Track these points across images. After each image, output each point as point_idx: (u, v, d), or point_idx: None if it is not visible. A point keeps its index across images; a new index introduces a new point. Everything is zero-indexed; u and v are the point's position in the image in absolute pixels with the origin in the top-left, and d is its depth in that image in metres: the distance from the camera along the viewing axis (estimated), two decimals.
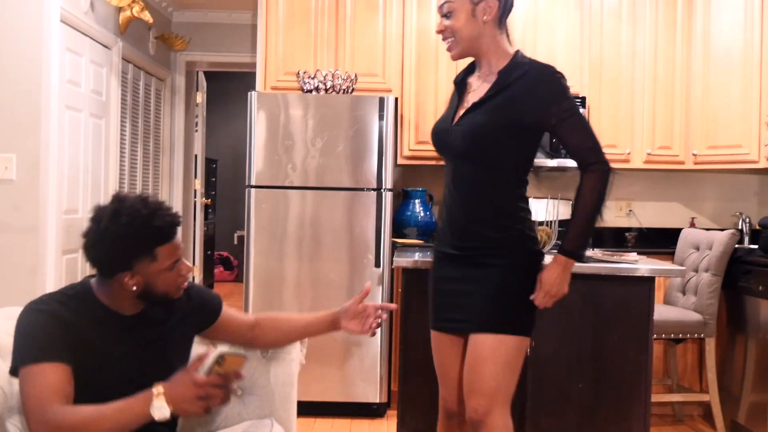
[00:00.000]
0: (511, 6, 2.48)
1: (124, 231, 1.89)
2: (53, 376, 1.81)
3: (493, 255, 2.43)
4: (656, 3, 4.96)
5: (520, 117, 2.36)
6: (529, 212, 2.49)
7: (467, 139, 2.41)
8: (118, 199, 1.95)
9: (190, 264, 2.09)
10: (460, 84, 2.58)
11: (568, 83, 2.44)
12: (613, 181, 2.40)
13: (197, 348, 2.25)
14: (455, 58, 2.51)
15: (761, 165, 4.66)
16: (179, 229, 2.01)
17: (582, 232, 2.38)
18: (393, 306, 2.45)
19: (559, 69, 2.43)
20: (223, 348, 2.27)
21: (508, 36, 2.51)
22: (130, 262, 1.92)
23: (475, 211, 2.46)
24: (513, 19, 4.91)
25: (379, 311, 2.34)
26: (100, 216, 1.93)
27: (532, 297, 2.42)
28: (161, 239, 1.94)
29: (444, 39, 2.49)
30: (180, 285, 2.02)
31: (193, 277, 7.29)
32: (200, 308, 2.22)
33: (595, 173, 2.37)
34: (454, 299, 2.52)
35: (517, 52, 2.48)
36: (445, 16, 2.45)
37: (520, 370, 2.47)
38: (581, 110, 2.33)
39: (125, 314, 2.00)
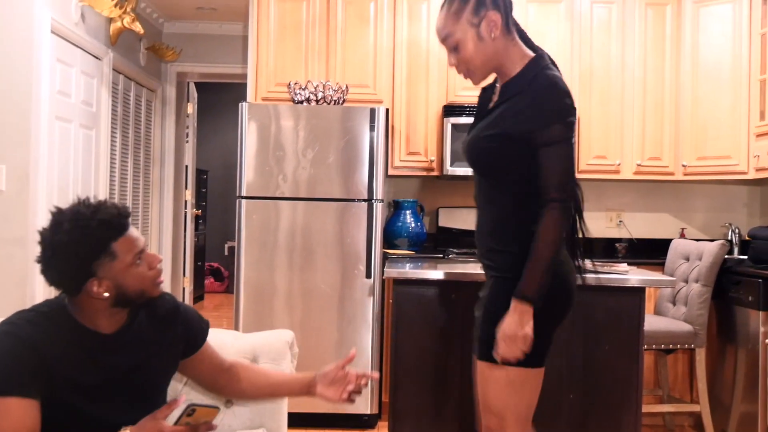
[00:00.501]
0: (511, 5, 2.31)
1: (71, 236, 1.79)
2: (18, 411, 1.70)
3: (494, 276, 2.35)
4: (645, 15, 4.99)
5: (515, 132, 2.22)
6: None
7: (472, 151, 2.34)
8: (56, 212, 1.85)
9: (158, 254, 1.96)
10: (484, 93, 2.46)
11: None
12: (569, 217, 2.23)
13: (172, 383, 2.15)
14: (478, 83, 2.38)
15: (750, 176, 4.68)
16: (130, 222, 1.90)
17: (537, 274, 2.18)
18: (375, 375, 2.35)
19: (565, 88, 2.25)
20: (194, 397, 2.19)
21: (521, 34, 2.35)
22: (89, 266, 1.80)
23: (482, 224, 2.39)
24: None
25: (362, 379, 2.18)
26: (43, 234, 1.83)
27: (493, 352, 2.24)
28: (112, 234, 1.83)
29: (459, 72, 2.36)
30: (155, 279, 1.91)
31: (184, 296, 7.27)
32: (186, 332, 2.09)
33: (551, 210, 2.18)
34: (474, 315, 2.45)
35: (533, 58, 2.30)
36: (453, 49, 2.30)
37: (531, 391, 2.33)
38: (570, 141, 2.22)
39: (104, 332, 1.88)
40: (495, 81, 2.41)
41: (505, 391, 2.29)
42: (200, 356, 2.14)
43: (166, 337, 2.02)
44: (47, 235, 1.83)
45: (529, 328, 2.19)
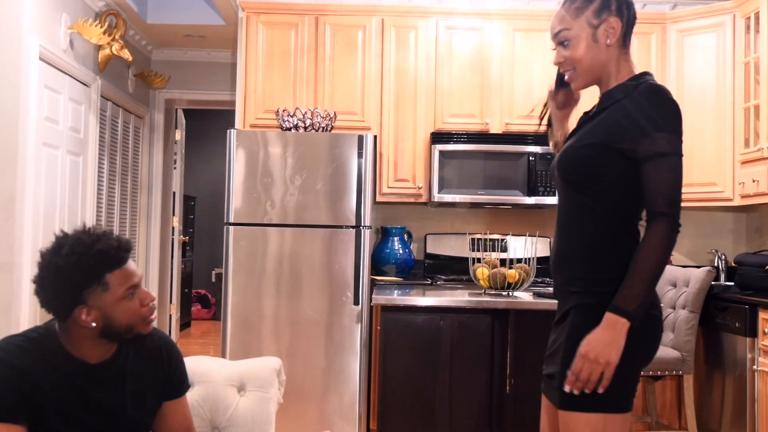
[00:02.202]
0: (634, 20, 2.16)
1: (68, 261, 1.80)
2: None
3: (582, 305, 2.05)
4: (631, 44, 5.04)
5: (615, 141, 2.01)
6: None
7: (565, 161, 2.12)
8: (60, 236, 1.87)
9: (151, 292, 1.98)
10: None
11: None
12: (675, 237, 1.98)
13: None
14: (578, 89, 2.21)
15: (736, 203, 4.72)
16: (130, 256, 1.90)
17: (638, 289, 1.94)
18: None
19: (672, 97, 2.06)
20: None
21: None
22: (80, 293, 1.81)
23: (567, 248, 2.12)
24: (491, 58, 4.96)
25: None
26: (43, 255, 1.85)
27: (570, 368, 1.97)
28: (108, 264, 1.84)
29: (563, 71, 2.19)
30: (146, 317, 1.90)
31: (170, 323, 7.22)
32: (173, 374, 2.08)
33: (660, 224, 1.95)
34: (548, 347, 2.18)
35: (640, 73, 2.15)
36: (562, 44, 2.14)
37: None
38: (680, 155, 2.04)
39: (90, 362, 1.88)
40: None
41: None
42: (172, 409, 2.09)
43: (152, 374, 2.01)
44: (46, 256, 1.85)
45: (616, 353, 1.91)
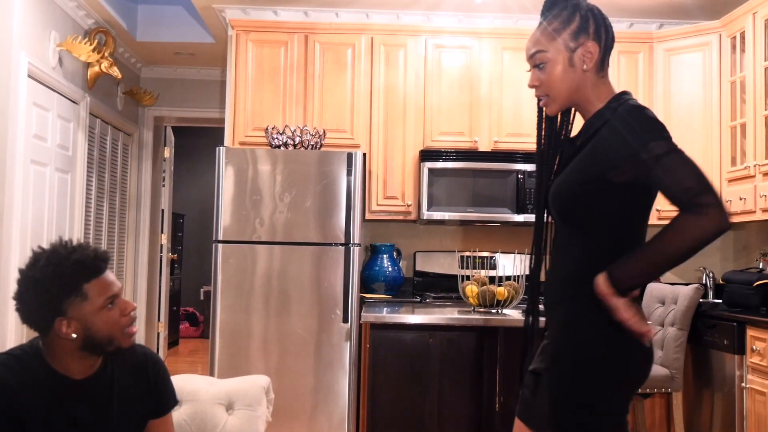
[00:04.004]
0: (613, 43, 2.10)
1: (45, 273, 1.80)
2: None
3: (565, 322, 2.02)
4: (618, 63, 5.08)
5: (607, 170, 1.94)
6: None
7: (556, 199, 2.06)
8: (37, 251, 1.87)
9: (131, 301, 1.95)
10: (550, 123, 2.20)
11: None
12: (718, 231, 1.80)
13: None
14: (552, 114, 2.13)
15: None
16: (108, 267, 1.90)
17: (641, 266, 1.87)
18: None
19: (650, 111, 1.98)
20: None
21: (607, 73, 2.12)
22: (59, 305, 1.80)
23: (559, 270, 2.08)
24: (479, 76, 4.98)
25: None
26: (21, 270, 1.85)
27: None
28: (86, 274, 1.83)
29: (537, 95, 2.13)
30: (126, 327, 1.89)
31: (158, 341, 7.18)
32: (158, 391, 2.05)
33: (702, 214, 1.78)
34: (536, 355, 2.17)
35: (617, 93, 2.07)
36: (537, 66, 2.08)
37: None
38: (680, 150, 1.88)
39: (74, 377, 1.87)
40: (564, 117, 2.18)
41: None
42: (158, 427, 2.07)
43: (138, 390, 2.00)
44: (24, 270, 1.85)
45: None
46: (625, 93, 2.06)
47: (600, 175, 1.95)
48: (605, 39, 2.06)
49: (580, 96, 2.07)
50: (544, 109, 2.16)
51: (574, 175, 2.01)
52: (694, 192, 1.80)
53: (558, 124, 2.17)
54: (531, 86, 2.12)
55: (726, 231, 1.80)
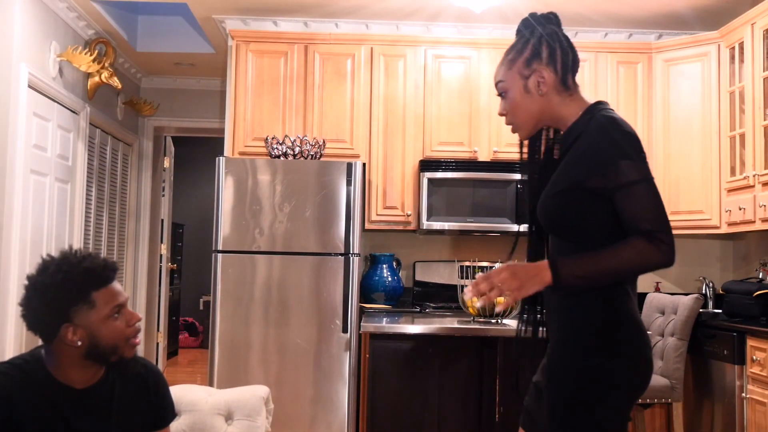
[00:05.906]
0: (575, 62, 2.12)
1: (55, 279, 1.82)
2: None
3: (562, 336, 2.05)
4: (617, 73, 5.09)
5: (583, 181, 1.97)
6: (618, 302, 2.01)
7: (542, 214, 2.10)
8: (47, 258, 1.89)
9: (137, 312, 2.01)
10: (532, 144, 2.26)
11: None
12: (661, 259, 1.90)
13: None
14: (524, 138, 2.19)
15: (722, 230, 4.74)
16: (116, 277, 1.93)
17: (589, 269, 1.92)
18: None
19: (625, 124, 2.04)
20: None
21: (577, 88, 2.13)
22: (67, 311, 1.82)
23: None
24: (479, 86, 4.97)
25: None
26: (29, 277, 1.88)
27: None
28: (95, 283, 1.86)
29: (506, 122, 2.19)
30: (130, 338, 1.90)
31: (157, 352, 7.17)
32: (158, 403, 2.06)
33: (655, 247, 1.89)
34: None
35: (591, 104, 2.09)
36: (501, 95, 2.16)
37: None
38: (651, 180, 1.96)
39: (76, 387, 1.88)
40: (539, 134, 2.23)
41: None
42: None
43: (138, 403, 2.00)
44: (33, 277, 1.86)
45: (525, 290, 1.95)
46: (599, 103, 2.10)
47: (576, 186, 1.98)
48: (562, 61, 2.09)
49: (547, 118, 2.12)
50: None
51: (552, 189, 2.05)
52: (653, 227, 1.88)
53: (536, 143, 2.22)
54: (500, 114, 2.18)
55: (669, 267, 1.91)
